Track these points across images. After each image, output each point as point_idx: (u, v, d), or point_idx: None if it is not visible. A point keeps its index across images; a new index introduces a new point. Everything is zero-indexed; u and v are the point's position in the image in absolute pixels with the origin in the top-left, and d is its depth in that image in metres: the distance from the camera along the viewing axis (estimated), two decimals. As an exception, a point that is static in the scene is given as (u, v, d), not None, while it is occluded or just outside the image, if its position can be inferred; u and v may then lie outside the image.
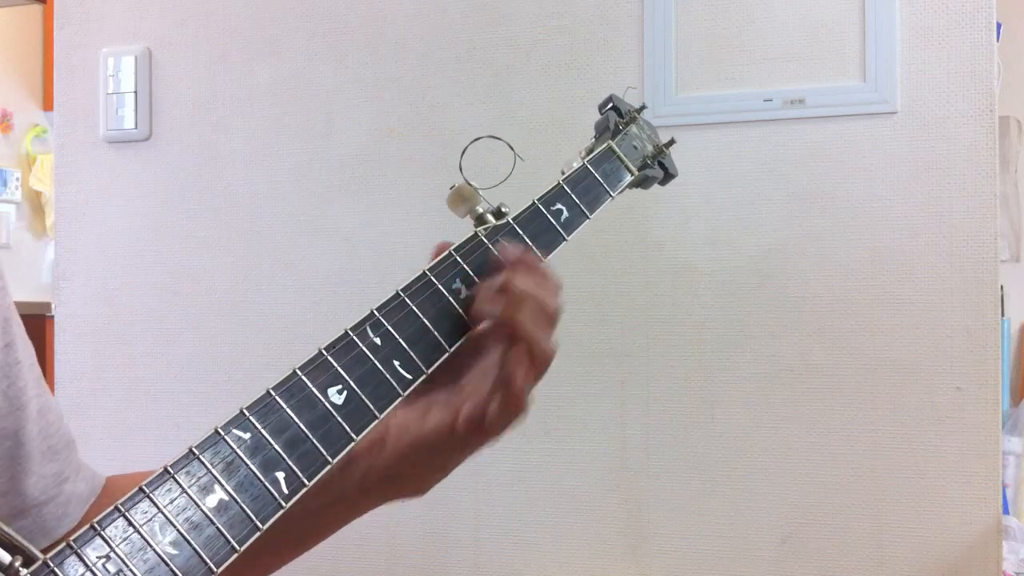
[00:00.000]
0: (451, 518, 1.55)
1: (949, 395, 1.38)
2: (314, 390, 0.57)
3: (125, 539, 0.48)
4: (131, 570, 0.47)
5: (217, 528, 0.50)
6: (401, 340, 0.61)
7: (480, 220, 0.69)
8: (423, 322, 0.62)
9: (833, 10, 1.42)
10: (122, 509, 0.48)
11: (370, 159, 1.60)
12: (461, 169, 0.70)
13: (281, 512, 0.52)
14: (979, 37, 1.37)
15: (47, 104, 4.35)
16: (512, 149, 0.72)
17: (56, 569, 0.46)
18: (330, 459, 0.55)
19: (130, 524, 0.48)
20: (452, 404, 0.65)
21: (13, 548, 0.46)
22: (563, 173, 0.76)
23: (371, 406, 0.58)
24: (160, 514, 0.49)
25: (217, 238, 1.67)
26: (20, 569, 0.45)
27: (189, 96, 1.69)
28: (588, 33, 1.52)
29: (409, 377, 0.61)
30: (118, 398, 1.70)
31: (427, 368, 0.62)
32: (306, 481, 0.54)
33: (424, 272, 0.64)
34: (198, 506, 0.50)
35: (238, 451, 0.52)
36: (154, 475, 0.50)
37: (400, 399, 0.60)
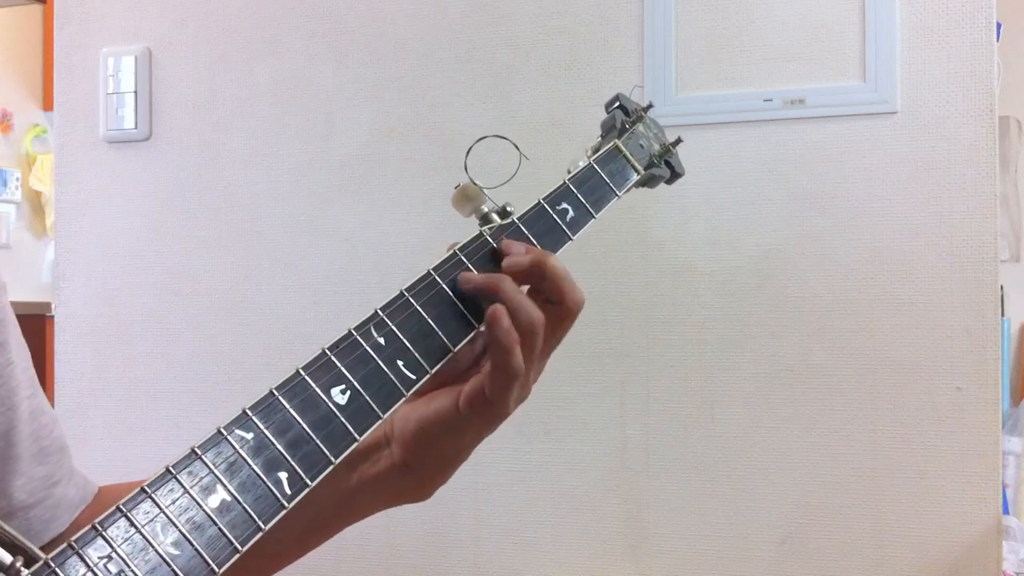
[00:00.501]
0: (451, 518, 1.55)
1: (949, 395, 1.38)
2: (317, 390, 0.56)
3: (127, 539, 0.47)
4: (133, 570, 0.47)
5: (219, 529, 0.50)
6: (405, 340, 0.61)
7: (485, 219, 0.68)
8: (427, 322, 0.62)
9: (833, 10, 1.42)
10: (124, 509, 0.48)
11: (370, 159, 1.60)
12: (466, 168, 0.69)
13: (284, 512, 0.52)
14: (979, 37, 1.37)
15: (47, 104, 4.35)
16: (517, 148, 0.71)
17: (57, 569, 0.45)
18: (333, 459, 0.55)
19: (132, 524, 0.48)
20: (454, 387, 0.65)
21: (14, 548, 0.46)
22: (569, 172, 0.75)
23: (374, 406, 0.58)
24: (162, 514, 0.49)
25: (217, 238, 1.67)
26: (21, 569, 0.45)
27: (189, 96, 1.69)
28: (588, 33, 1.52)
29: (413, 377, 0.60)
30: (118, 398, 1.70)
31: (431, 368, 0.61)
32: (309, 482, 0.54)
33: (428, 272, 0.64)
34: (200, 506, 0.50)
35: (241, 451, 0.52)
36: (156, 475, 0.50)
37: (404, 399, 0.60)
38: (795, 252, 1.44)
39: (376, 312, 0.61)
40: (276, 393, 0.55)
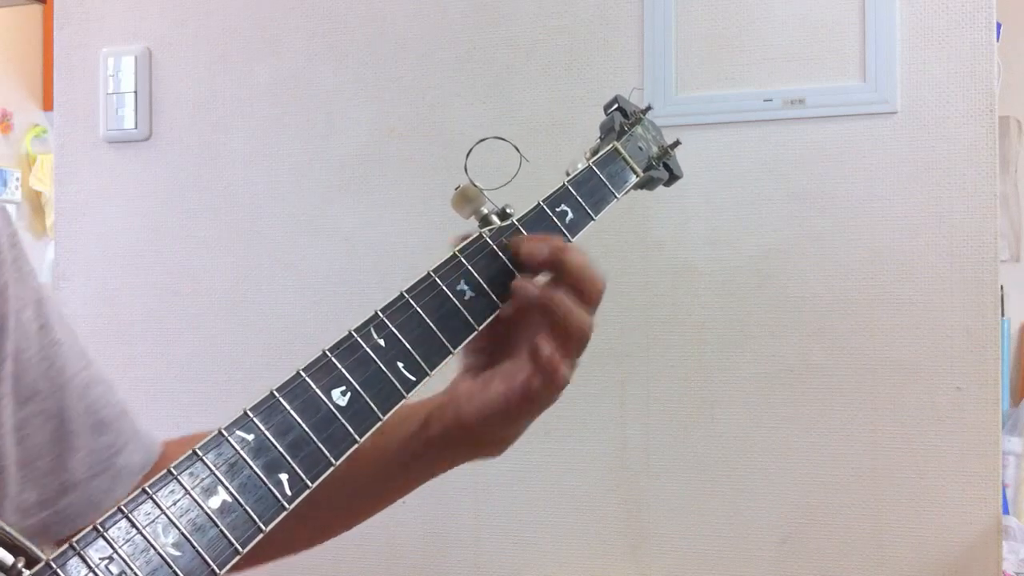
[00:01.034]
0: (451, 518, 1.55)
1: (949, 395, 1.38)
2: (318, 392, 0.56)
3: (128, 540, 0.48)
4: (134, 571, 0.47)
5: (220, 530, 0.50)
6: (405, 342, 0.61)
7: (485, 221, 0.68)
8: (427, 324, 0.62)
9: (833, 10, 1.42)
10: (125, 510, 0.48)
11: (370, 159, 1.60)
12: (466, 169, 0.69)
13: (284, 514, 0.52)
14: (979, 37, 1.37)
15: (47, 104, 4.35)
16: (517, 150, 0.71)
17: (59, 570, 0.46)
18: (333, 461, 0.55)
19: (133, 525, 0.48)
20: (510, 375, 0.67)
21: (16, 549, 0.46)
22: (568, 174, 0.75)
23: (375, 408, 0.58)
24: (163, 515, 0.49)
25: (217, 238, 1.67)
26: (23, 570, 0.45)
27: (189, 96, 1.69)
28: (588, 33, 1.52)
29: (413, 379, 0.61)
30: (118, 398, 1.70)
31: (431, 370, 0.62)
32: (309, 483, 0.54)
33: (428, 273, 0.64)
34: (201, 507, 0.50)
35: (241, 452, 0.52)
36: (157, 476, 0.50)
37: (403, 401, 0.60)
38: (795, 252, 1.44)
39: (376, 314, 0.61)
40: (277, 394, 0.55)
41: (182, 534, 0.49)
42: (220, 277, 1.66)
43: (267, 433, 0.54)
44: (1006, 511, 2.69)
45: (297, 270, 1.63)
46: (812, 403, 1.43)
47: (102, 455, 0.71)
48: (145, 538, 0.48)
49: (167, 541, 0.48)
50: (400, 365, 0.60)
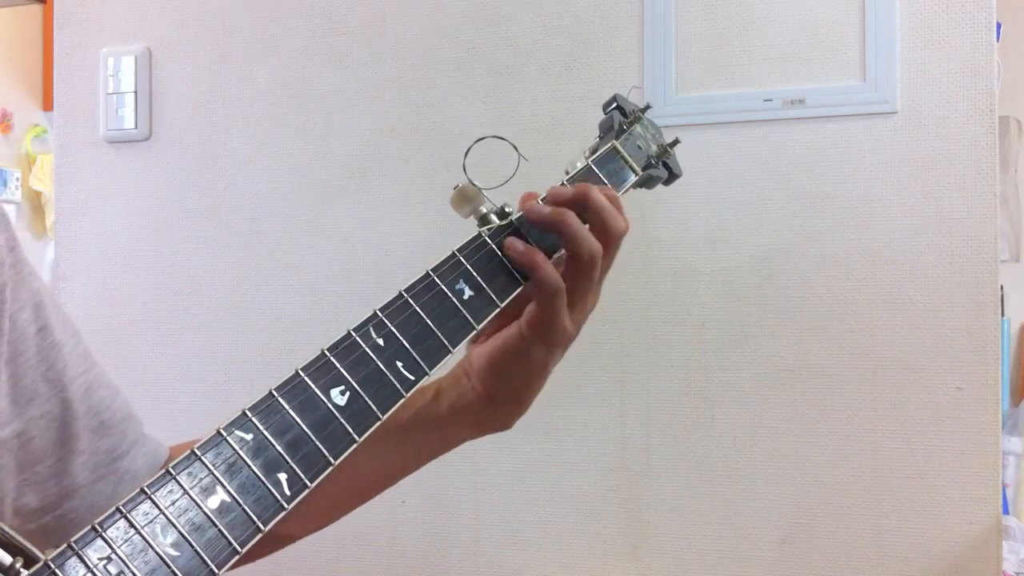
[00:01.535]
0: (451, 518, 1.55)
1: (949, 395, 1.38)
2: (316, 391, 0.56)
3: (127, 540, 0.48)
4: (132, 571, 0.47)
5: (219, 530, 0.50)
6: (404, 341, 0.61)
7: (484, 220, 0.68)
8: (426, 323, 0.62)
9: (833, 10, 1.42)
10: (123, 510, 0.48)
11: (370, 159, 1.60)
12: (465, 169, 0.69)
13: (283, 514, 0.52)
14: (979, 37, 1.37)
15: (47, 104, 4.35)
16: (516, 149, 0.72)
17: (57, 570, 0.46)
18: (332, 460, 0.55)
19: (131, 525, 0.48)
20: (515, 317, 0.70)
21: (14, 549, 0.46)
22: (567, 173, 0.75)
23: (374, 407, 0.58)
24: (161, 515, 0.49)
25: (217, 238, 1.67)
26: (21, 570, 0.45)
27: (189, 96, 1.69)
28: (588, 33, 1.52)
29: (412, 378, 0.61)
30: (118, 398, 1.70)
31: (430, 369, 0.62)
32: (308, 483, 0.54)
33: (428, 272, 0.64)
34: (200, 507, 0.50)
35: (240, 452, 0.52)
36: (156, 476, 0.50)
37: (403, 400, 0.60)
38: (795, 252, 1.44)
39: (375, 313, 0.61)
40: (276, 394, 0.55)
41: (181, 534, 0.49)
42: (220, 277, 1.66)
43: (266, 433, 0.54)
44: (1006, 511, 2.69)
45: (297, 270, 1.63)
46: (812, 403, 1.43)
47: (105, 458, 0.71)
48: (144, 538, 0.48)
49: (166, 541, 0.48)
50: (399, 364, 0.60)
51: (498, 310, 0.67)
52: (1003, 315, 2.23)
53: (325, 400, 0.57)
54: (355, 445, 0.57)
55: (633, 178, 0.80)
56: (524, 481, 1.53)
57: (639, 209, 1.48)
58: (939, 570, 1.37)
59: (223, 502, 0.51)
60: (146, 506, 0.49)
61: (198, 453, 0.51)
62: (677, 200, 1.46)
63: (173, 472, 0.50)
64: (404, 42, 1.59)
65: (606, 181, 0.77)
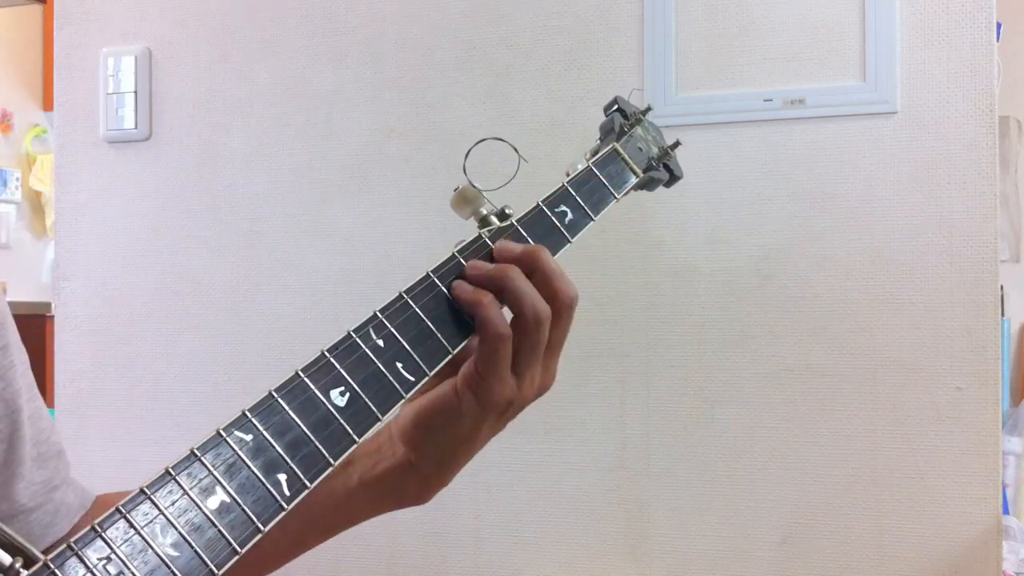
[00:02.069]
0: (451, 518, 1.55)
1: (949, 395, 1.38)
2: (316, 392, 0.56)
3: (126, 540, 0.47)
4: (132, 571, 0.47)
5: (218, 530, 0.50)
6: (404, 342, 0.61)
7: (484, 222, 0.68)
8: (426, 324, 0.62)
9: (833, 10, 1.42)
10: (123, 510, 0.48)
11: (370, 159, 1.60)
12: (465, 170, 0.69)
13: (283, 514, 0.52)
14: (979, 37, 1.37)
15: (47, 104, 4.35)
16: (516, 151, 0.71)
17: (56, 571, 0.45)
18: (332, 461, 0.55)
19: (131, 525, 0.48)
20: (452, 376, 0.65)
21: (14, 549, 0.46)
22: (567, 175, 0.75)
23: (374, 408, 0.58)
24: (161, 516, 0.49)
25: (217, 238, 1.67)
26: (20, 570, 0.45)
27: (189, 96, 1.69)
28: (588, 33, 1.52)
29: (412, 379, 0.61)
30: (118, 398, 1.70)
31: (430, 370, 0.62)
32: (308, 483, 0.54)
33: (428, 274, 0.64)
34: (199, 508, 0.50)
35: (240, 453, 0.52)
36: (156, 476, 0.50)
37: (403, 401, 0.60)
38: (795, 252, 1.44)
39: (375, 314, 0.61)
40: (275, 395, 0.55)
41: (180, 534, 0.49)
42: (220, 277, 1.66)
43: (265, 433, 0.53)
44: (1006, 511, 2.69)
45: (297, 270, 1.63)
46: (812, 403, 1.43)
47: (42, 488, 0.70)
48: (143, 538, 0.48)
49: (165, 541, 0.48)
50: (399, 365, 0.60)
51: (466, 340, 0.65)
52: (1003, 315, 2.23)
53: (325, 401, 0.56)
54: (355, 445, 0.56)
55: (634, 180, 0.80)
56: (524, 481, 1.53)
57: (639, 209, 1.48)
58: (939, 570, 1.37)
59: (223, 502, 0.51)
60: (146, 506, 0.49)
61: (197, 453, 0.51)
62: (677, 200, 1.46)
63: (173, 472, 0.50)
64: (404, 42, 1.59)
65: (607, 183, 0.77)
